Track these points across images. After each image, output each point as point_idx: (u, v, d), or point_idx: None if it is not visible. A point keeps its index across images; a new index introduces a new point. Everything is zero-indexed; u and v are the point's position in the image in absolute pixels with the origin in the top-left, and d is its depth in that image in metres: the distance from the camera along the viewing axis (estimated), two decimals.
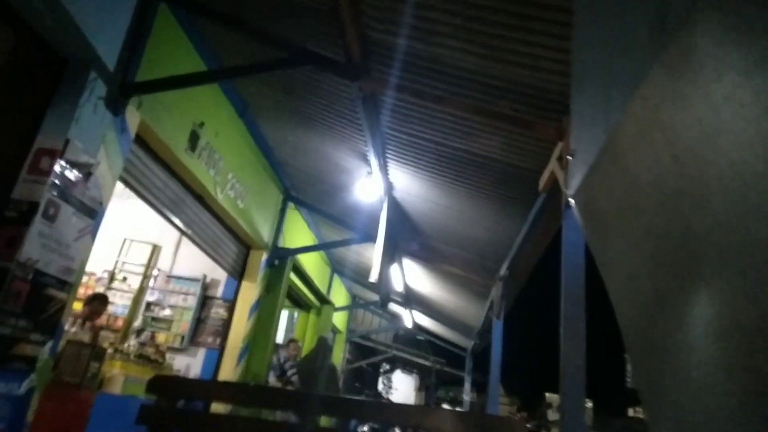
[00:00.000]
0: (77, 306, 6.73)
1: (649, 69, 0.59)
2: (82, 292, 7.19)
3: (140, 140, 4.58)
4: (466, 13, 3.32)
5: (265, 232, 7.61)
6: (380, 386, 19.48)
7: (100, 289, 7.68)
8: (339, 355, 14.93)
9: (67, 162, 3.50)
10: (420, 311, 13.06)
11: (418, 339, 18.45)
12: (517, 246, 6.02)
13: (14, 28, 3.22)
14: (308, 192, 8.39)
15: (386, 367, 20.50)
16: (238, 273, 7.55)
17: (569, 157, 0.77)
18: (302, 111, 5.76)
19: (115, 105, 3.93)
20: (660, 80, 0.59)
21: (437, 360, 18.61)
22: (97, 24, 3.61)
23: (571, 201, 0.76)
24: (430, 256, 8.55)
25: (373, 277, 6.04)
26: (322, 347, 8.11)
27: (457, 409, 16.15)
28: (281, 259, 8.19)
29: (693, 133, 0.57)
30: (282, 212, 8.16)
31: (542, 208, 4.91)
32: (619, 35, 0.67)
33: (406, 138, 5.22)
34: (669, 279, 0.64)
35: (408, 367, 20.32)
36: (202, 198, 5.99)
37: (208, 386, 4.16)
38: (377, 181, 6.11)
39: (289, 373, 7.79)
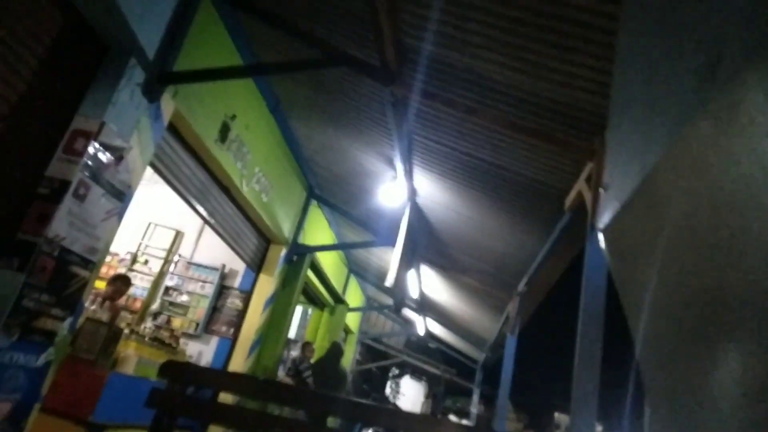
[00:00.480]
0: (99, 285, 6.88)
1: (694, 116, 0.58)
2: (104, 271, 7.36)
3: (173, 128, 4.66)
4: (503, 25, 3.30)
5: (287, 228, 7.67)
6: (388, 390, 19.45)
7: (122, 270, 7.83)
8: (349, 356, 14.95)
9: (101, 144, 3.58)
10: (433, 319, 13.01)
11: (429, 346, 18.37)
12: (538, 263, 5.95)
13: (62, 11, 3.31)
14: (332, 191, 8.43)
15: (395, 371, 20.46)
16: (257, 266, 7.62)
17: (602, 190, 0.75)
18: (332, 111, 5.79)
19: (152, 92, 4.01)
20: (705, 129, 0.57)
21: (447, 369, 18.50)
22: (140, 12, 3.69)
23: (600, 235, 0.75)
24: (448, 265, 8.51)
25: (389, 281, 6.03)
26: (336, 352, 8.24)
27: (464, 421, 16.02)
28: (300, 255, 8.24)
29: (735, 186, 0.55)
30: (305, 209, 8.22)
31: (566, 227, 4.84)
32: (664, 76, 0.65)
33: (433, 145, 5.21)
34: (697, 329, 0.62)
35: (417, 373, 20.24)
36: (227, 189, 6.06)
37: (219, 376, 4.20)
38: (401, 185, 6.11)
39: (306, 374, 7.91)
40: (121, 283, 5.76)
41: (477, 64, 3.77)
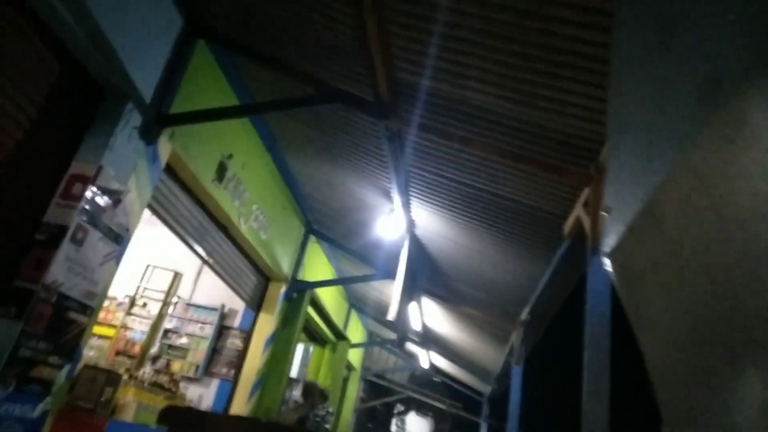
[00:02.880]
0: (97, 330, 6.78)
1: (698, 133, 0.58)
2: (102, 316, 7.26)
3: (170, 169, 4.68)
4: (495, 57, 3.37)
5: (286, 265, 7.63)
6: (393, 428, 18.99)
7: (120, 315, 7.75)
8: (353, 395, 14.65)
9: (99, 188, 3.58)
10: (437, 352, 12.81)
11: (434, 381, 18.03)
12: (540, 290, 5.90)
13: (60, 58, 3.37)
14: (330, 226, 8.43)
15: (400, 408, 20.03)
16: (256, 304, 7.54)
17: (604, 213, 0.75)
18: (329, 146, 5.85)
19: (149, 135, 4.04)
20: (709, 146, 0.57)
21: (453, 404, 18.11)
22: (137, 57, 3.76)
23: (606, 260, 0.74)
24: (449, 296, 8.43)
25: (391, 315, 5.96)
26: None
27: None
28: (300, 292, 8.17)
29: (744, 204, 0.55)
30: (303, 245, 8.19)
31: (566, 253, 4.83)
32: (662, 96, 0.66)
33: (430, 177, 5.24)
34: (715, 353, 0.60)
35: (423, 409, 19.81)
36: (225, 228, 6.05)
37: (220, 420, 4.10)
38: (399, 218, 6.11)
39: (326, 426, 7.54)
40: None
41: (470, 96, 3.82)
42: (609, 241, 0.77)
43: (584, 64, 3.09)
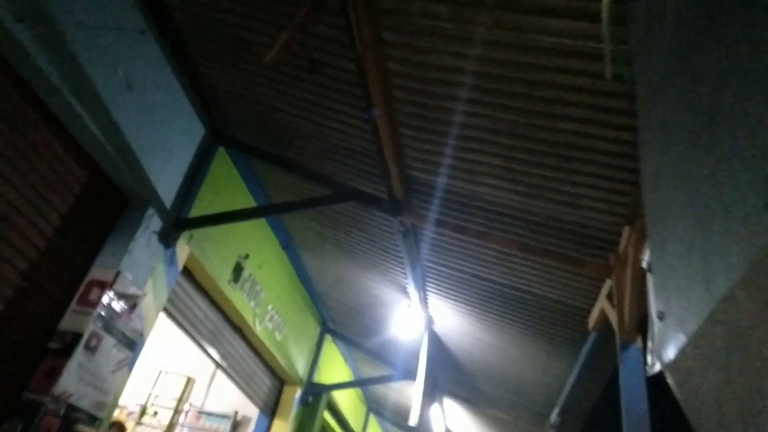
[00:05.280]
0: None
1: None
2: None
3: (186, 271, 4.70)
4: (505, 154, 3.45)
5: (301, 366, 7.38)
6: None
7: (130, 425, 7.42)
8: None
9: (116, 293, 3.57)
10: None
11: None
12: (568, 389, 5.58)
13: (86, 168, 3.51)
14: (346, 324, 8.25)
15: None
16: (271, 410, 7.20)
17: (657, 320, 0.69)
18: (344, 243, 5.88)
19: (168, 239, 4.11)
20: None
21: None
22: (161, 166, 3.92)
23: (666, 372, 0.67)
24: (472, 397, 8.00)
25: (413, 420, 5.63)
26: None
27: None
28: (316, 395, 7.82)
29: None
30: (319, 345, 7.97)
31: (593, 348, 4.62)
32: (715, 195, 0.62)
33: (446, 271, 5.18)
34: None
35: None
36: (240, 329, 5.94)
37: None
38: (417, 314, 5.97)
39: None
40: (116, 430, 5.45)
41: (484, 191, 3.88)
42: (667, 352, 0.71)
43: (594, 158, 3.14)
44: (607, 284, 3.84)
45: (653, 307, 0.79)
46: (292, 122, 4.28)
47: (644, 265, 3.02)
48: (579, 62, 2.64)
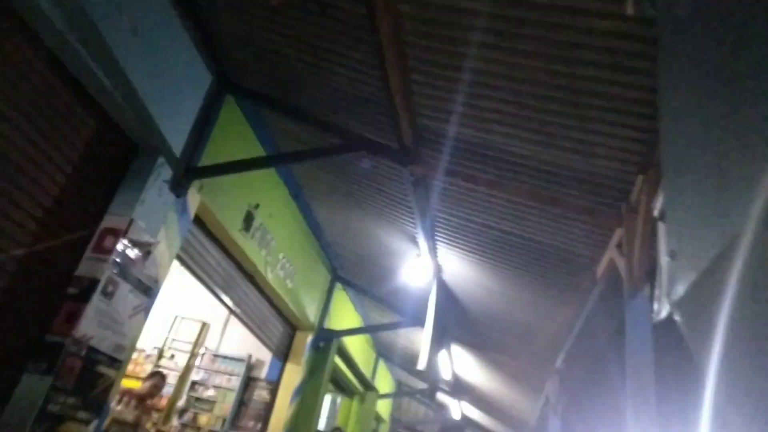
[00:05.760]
0: (126, 383, 6.77)
1: None
2: (130, 368, 7.25)
3: (198, 221, 4.75)
4: (518, 101, 3.37)
5: (312, 313, 7.56)
6: None
7: (149, 367, 7.73)
8: None
9: (130, 241, 3.63)
10: (469, 402, 12.36)
11: None
12: (574, 336, 5.69)
13: (96, 118, 3.50)
14: (356, 272, 8.38)
15: None
16: (283, 354, 7.44)
17: (668, 258, 0.69)
18: (354, 193, 5.88)
19: (179, 188, 4.13)
20: None
21: None
22: (169, 114, 3.88)
23: (674, 309, 0.67)
24: (480, 343, 8.20)
25: (421, 364, 5.80)
26: None
27: None
28: (327, 341, 8.06)
29: None
30: (329, 293, 8.13)
31: (601, 296, 4.67)
32: (734, 132, 0.60)
33: (456, 221, 5.19)
34: None
35: None
36: (252, 277, 6.06)
37: None
38: (426, 263, 6.04)
39: None
40: (159, 378, 5.67)
41: (495, 139, 3.82)
42: (676, 289, 0.71)
43: (611, 105, 3.06)
44: (617, 233, 3.83)
45: (664, 248, 0.79)
46: (301, 69, 4.19)
47: (656, 213, 3.00)
48: (598, 3, 2.53)
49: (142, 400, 5.27)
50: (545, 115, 3.37)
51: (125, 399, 5.11)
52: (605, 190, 3.77)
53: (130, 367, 7.03)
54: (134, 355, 7.09)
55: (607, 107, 3.10)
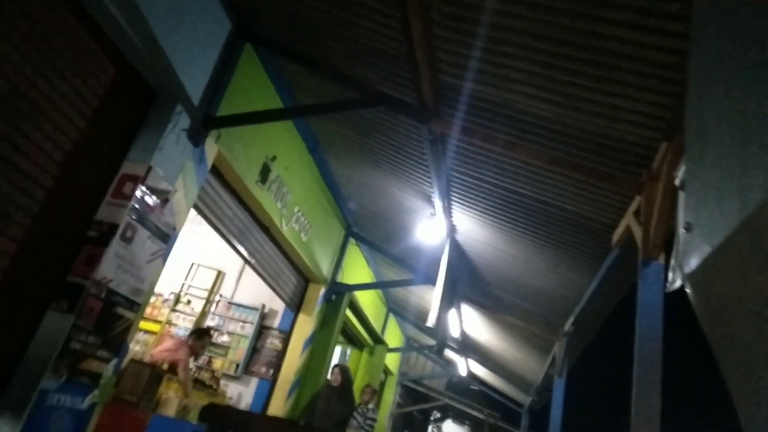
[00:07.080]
0: (144, 326, 7.04)
1: None
2: (148, 312, 7.49)
3: (215, 171, 4.78)
4: (543, 60, 3.27)
5: (325, 267, 7.67)
6: None
7: (165, 311, 7.98)
8: (390, 398, 14.61)
9: (148, 188, 3.68)
10: (476, 360, 12.62)
11: (472, 389, 17.76)
12: (585, 301, 5.71)
13: (114, 63, 3.48)
14: (370, 229, 8.43)
15: (437, 415, 19.83)
16: (296, 305, 7.61)
17: (683, 230, 0.67)
18: (370, 150, 5.85)
19: (196, 137, 4.14)
20: None
21: (491, 413, 17.78)
22: (187, 61, 3.85)
23: (686, 282, 0.67)
24: (490, 304, 8.29)
25: (431, 321, 5.90)
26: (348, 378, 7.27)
27: None
28: (338, 294, 8.20)
29: None
30: (343, 248, 8.22)
31: (614, 263, 4.65)
32: (760, 101, 0.58)
33: (472, 181, 5.15)
34: None
35: (460, 417, 19.55)
36: (267, 229, 6.13)
37: (258, 420, 4.13)
38: (440, 222, 6.04)
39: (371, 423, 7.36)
40: (208, 338, 5.93)
41: (516, 100, 3.74)
42: (690, 262, 0.70)
43: (637, 68, 2.96)
44: (636, 201, 3.78)
45: (681, 220, 0.77)
46: (321, 19, 4.09)
47: (677, 182, 2.95)
48: None
49: (193, 355, 5.61)
50: (570, 75, 3.27)
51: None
52: (626, 155, 3.70)
53: (147, 311, 7.26)
54: (152, 299, 7.31)
55: (634, 70, 2.99)
